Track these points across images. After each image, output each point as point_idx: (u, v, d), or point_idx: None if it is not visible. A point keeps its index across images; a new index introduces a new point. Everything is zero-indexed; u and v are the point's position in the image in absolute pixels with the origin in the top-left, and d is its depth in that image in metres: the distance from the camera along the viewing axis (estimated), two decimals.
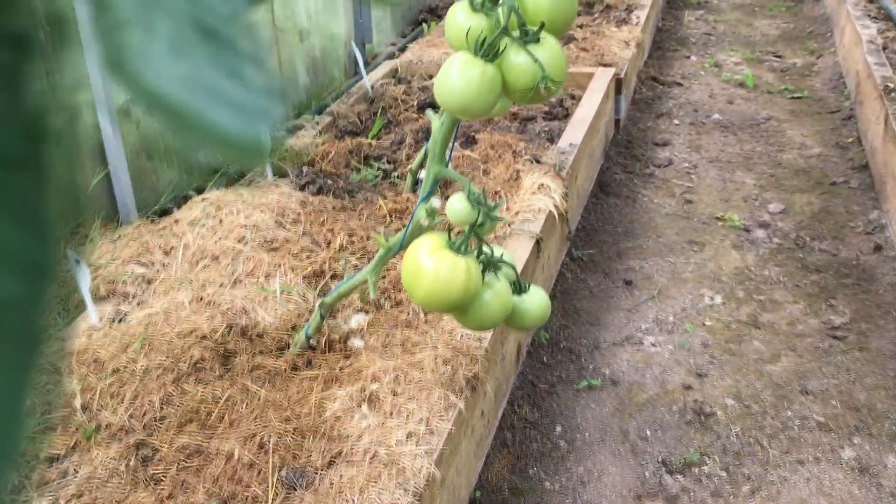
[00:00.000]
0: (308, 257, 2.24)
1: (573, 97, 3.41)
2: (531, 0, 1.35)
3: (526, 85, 1.32)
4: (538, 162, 2.73)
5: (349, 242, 2.32)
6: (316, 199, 2.55)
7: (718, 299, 2.67)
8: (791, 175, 3.47)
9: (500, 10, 1.37)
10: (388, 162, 2.89)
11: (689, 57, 4.81)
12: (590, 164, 3.13)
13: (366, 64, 4.08)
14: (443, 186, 2.62)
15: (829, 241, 3.00)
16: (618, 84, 3.60)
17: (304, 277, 2.16)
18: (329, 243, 2.31)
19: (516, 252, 2.26)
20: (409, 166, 2.62)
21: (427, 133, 3.01)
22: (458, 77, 1.30)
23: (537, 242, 2.34)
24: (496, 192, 2.58)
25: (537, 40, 1.33)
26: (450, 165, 1.75)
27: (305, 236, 2.33)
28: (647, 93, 4.23)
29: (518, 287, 1.68)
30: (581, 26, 4.21)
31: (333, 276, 2.20)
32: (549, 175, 2.59)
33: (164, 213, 2.66)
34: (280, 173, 2.77)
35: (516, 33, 1.34)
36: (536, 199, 2.49)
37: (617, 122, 3.69)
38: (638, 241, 2.99)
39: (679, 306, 2.63)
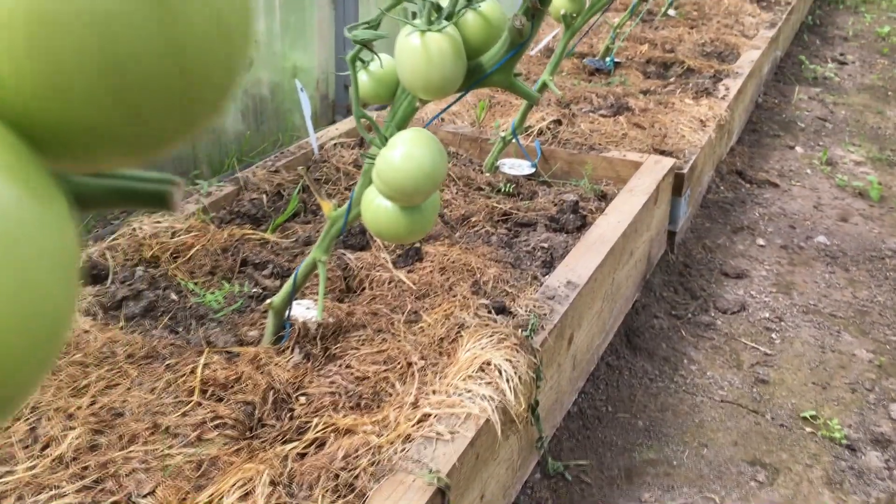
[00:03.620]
0: None
1: (602, 196, 2.29)
2: None
3: None
4: (501, 313, 1.62)
5: (88, 447, 1.25)
6: (107, 334, 1.51)
7: None
8: None
9: None
10: (274, 274, 1.82)
11: (792, 147, 3.61)
12: (606, 311, 1.99)
13: (346, 112, 3.06)
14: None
15: None
16: (677, 181, 2.46)
17: None
18: (46, 446, 1.25)
19: None
20: (272, 299, 1.54)
21: (348, 234, 1.94)
22: None
23: (440, 493, 1.22)
24: (408, 366, 1.47)
25: None
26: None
27: (23, 423, 1.28)
28: (727, 193, 3.06)
29: None
30: (645, 92, 3.09)
31: None
32: (508, 345, 1.47)
33: None
34: (98, 276, 1.74)
35: None
36: (469, 392, 1.38)
37: (671, 234, 2.55)
38: (666, 448, 1.83)
39: None
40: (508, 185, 2.30)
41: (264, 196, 2.11)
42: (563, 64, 3.33)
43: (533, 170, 2.44)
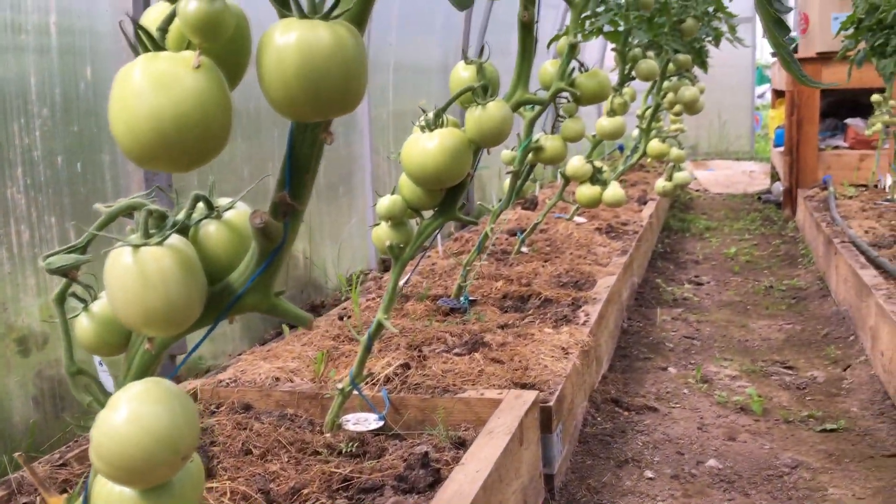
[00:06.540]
0: None
1: (461, 443, 1.99)
2: None
3: None
4: None
5: None
6: None
7: None
8: None
9: None
10: None
11: (665, 369, 3.46)
12: None
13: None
14: None
15: None
16: (545, 416, 2.19)
17: None
18: None
19: None
20: None
21: None
22: None
23: None
24: None
25: None
26: None
27: None
28: (605, 423, 2.80)
29: None
30: (503, 326, 2.90)
31: None
32: None
33: None
34: None
35: None
36: None
37: (549, 478, 2.23)
38: None
39: None
40: (351, 444, 1.97)
41: (39, 500, 1.69)
42: (416, 307, 3.13)
43: (381, 422, 2.12)
